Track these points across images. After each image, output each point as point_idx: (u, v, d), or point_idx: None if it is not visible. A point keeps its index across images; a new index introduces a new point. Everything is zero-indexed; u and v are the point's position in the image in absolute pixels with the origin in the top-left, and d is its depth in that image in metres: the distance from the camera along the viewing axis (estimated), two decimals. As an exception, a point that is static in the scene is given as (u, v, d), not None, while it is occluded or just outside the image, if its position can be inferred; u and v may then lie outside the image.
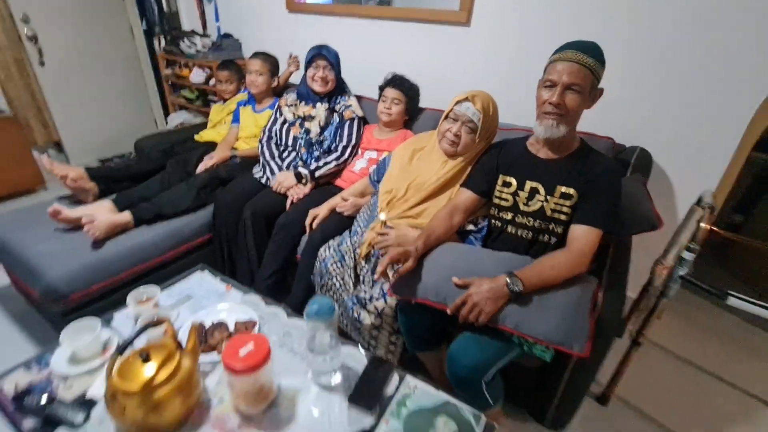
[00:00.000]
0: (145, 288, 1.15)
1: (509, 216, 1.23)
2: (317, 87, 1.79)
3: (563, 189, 1.14)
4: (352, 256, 1.40)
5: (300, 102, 1.89)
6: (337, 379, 0.98)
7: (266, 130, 1.94)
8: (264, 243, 1.63)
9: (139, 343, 1.02)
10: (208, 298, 1.24)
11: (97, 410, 0.88)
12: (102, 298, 1.42)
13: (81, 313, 1.37)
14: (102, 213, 1.53)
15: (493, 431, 0.88)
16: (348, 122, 1.82)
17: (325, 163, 1.77)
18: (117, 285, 1.44)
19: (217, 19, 2.76)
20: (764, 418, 1.44)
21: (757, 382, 1.57)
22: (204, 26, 2.87)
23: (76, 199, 1.74)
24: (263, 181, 1.82)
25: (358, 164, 1.78)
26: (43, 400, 0.87)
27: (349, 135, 1.81)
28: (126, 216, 1.53)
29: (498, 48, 1.83)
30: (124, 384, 0.77)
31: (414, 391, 0.96)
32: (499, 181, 1.25)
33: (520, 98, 1.57)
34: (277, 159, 1.87)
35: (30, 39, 2.82)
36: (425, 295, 1.11)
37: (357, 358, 1.05)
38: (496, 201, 1.26)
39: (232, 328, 1.10)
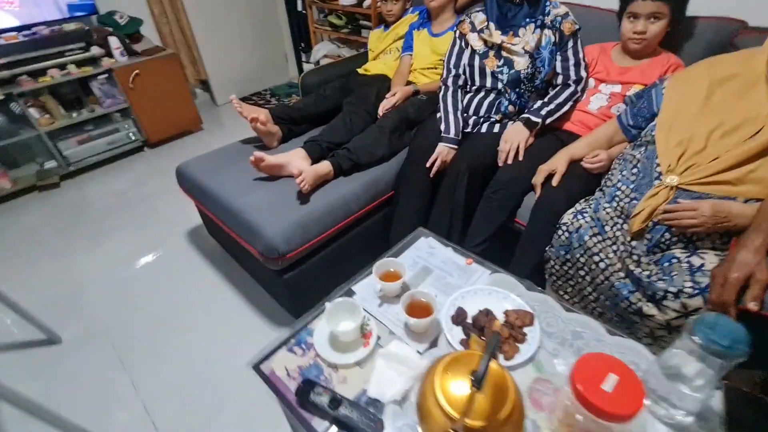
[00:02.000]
0: (389, 260, 0.97)
1: None
2: None
3: None
4: (619, 228, 1.06)
5: (490, 23, 1.42)
6: (689, 417, 0.70)
7: (450, 67, 1.53)
8: (474, 200, 1.35)
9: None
10: (449, 273, 1.02)
11: (386, 415, 0.73)
12: (312, 256, 1.31)
13: (296, 273, 1.28)
14: (300, 161, 1.38)
15: None
16: (571, 39, 1.36)
17: (558, 105, 1.36)
18: (324, 242, 1.31)
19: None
20: None
21: None
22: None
23: (259, 144, 1.62)
24: (467, 123, 1.49)
25: (595, 102, 1.36)
26: (327, 398, 0.73)
27: (578, 61, 1.36)
28: (327, 166, 1.36)
29: None
30: (471, 420, 0.58)
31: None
32: None
33: None
34: (459, 113, 1.45)
35: (179, -32, 2.71)
36: None
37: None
38: None
39: (501, 318, 0.88)
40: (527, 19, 1.36)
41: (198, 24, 2.90)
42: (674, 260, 0.98)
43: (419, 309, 0.86)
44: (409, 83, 1.76)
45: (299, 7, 3.21)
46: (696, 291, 0.89)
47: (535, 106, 1.38)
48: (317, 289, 1.45)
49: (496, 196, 1.30)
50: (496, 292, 0.94)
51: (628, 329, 1.05)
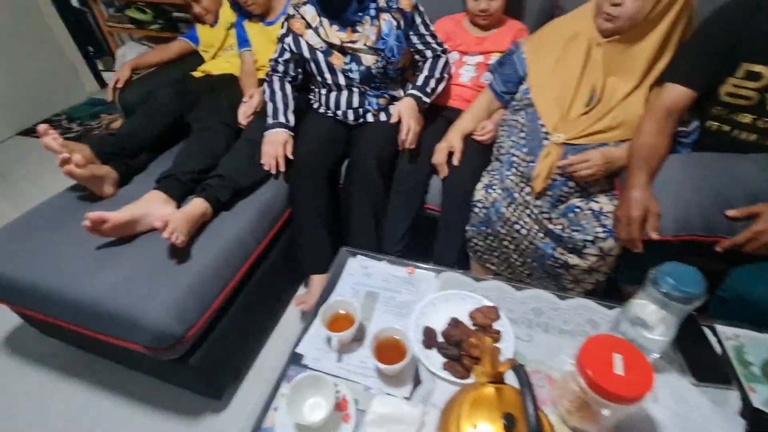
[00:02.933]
0: (334, 302, 0.80)
1: (747, 119, 0.95)
2: None
3: None
4: (528, 192, 1.10)
5: (323, 20, 1.23)
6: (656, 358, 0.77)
7: (273, 61, 1.33)
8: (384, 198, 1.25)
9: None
10: (396, 291, 0.91)
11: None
12: (217, 321, 1.03)
13: (203, 350, 0.99)
14: (160, 208, 1.05)
15: None
16: (415, 14, 1.25)
17: (438, 80, 1.29)
18: (227, 298, 1.04)
19: None
20: None
21: None
22: None
23: (86, 194, 1.19)
24: (347, 117, 1.34)
25: (465, 74, 1.37)
26: None
27: (432, 32, 1.30)
28: (201, 204, 1.06)
29: None
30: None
31: (741, 341, 0.79)
32: (740, 72, 0.92)
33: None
34: (286, 99, 1.31)
35: None
36: (688, 229, 0.89)
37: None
38: (727, 99, 0.96)
39: (470, 324, 0.82)
40: (360, 14, 1.22)
41: None
42: (577, 209, 1.07)
43: (390, 349, 0.74)
44: (262, 81, 1.52)
45: (74, 3, 2.49)
46: (606, 234, 0.99)
47: (419, 83, 1.28)
48: (237, 355, 1.19)
49: (404, 188, 1.23)
50: (453, 296, 0.87)
51: (554, 282, 1.13)
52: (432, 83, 1.29)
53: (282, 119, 1.27)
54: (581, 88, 1.09)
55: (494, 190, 1.12)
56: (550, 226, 1.06)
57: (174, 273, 0.96)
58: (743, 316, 0.85)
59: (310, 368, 0.76)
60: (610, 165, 1.02)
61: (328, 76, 1.29)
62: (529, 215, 1.10)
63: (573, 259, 1.04)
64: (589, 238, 1.00)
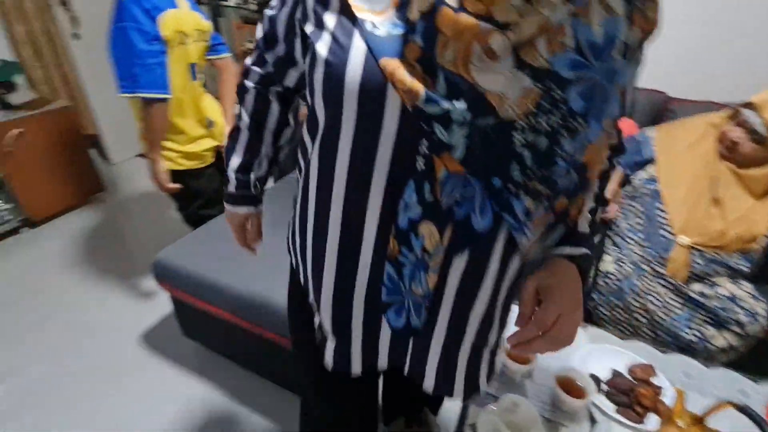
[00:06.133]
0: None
1: None
2: None
3: None
4: (656, 264, 1.19)
5: None
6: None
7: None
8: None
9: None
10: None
11: None
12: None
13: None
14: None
15: None
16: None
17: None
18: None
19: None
20: None
21: None
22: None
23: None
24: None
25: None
26: None
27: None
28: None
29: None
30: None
31: None
32: None
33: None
34: (241, 143, 0.70)
35: (61, 2, 2.19)
36: None
37: None
38: None
39: (628, 377, 0.91)
40: None
41: (88, 71, 2.37)
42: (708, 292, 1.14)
43: (565, 387, 0.83)
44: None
45: None
46: (750, 319, 1.08)
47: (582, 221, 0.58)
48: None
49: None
50: (607, 350, 0.96)
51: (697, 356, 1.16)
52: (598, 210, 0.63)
53: (256, 186, 0.74)
54: (707, 193, 1.17)
55: (625, 264, 1.23)
56: (691, 294, 1.13)
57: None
58: None
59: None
60: None
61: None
62: (663, 285, 1.17)
63: (710, 331, 1.11)
64: (734, 317, 1.08)
